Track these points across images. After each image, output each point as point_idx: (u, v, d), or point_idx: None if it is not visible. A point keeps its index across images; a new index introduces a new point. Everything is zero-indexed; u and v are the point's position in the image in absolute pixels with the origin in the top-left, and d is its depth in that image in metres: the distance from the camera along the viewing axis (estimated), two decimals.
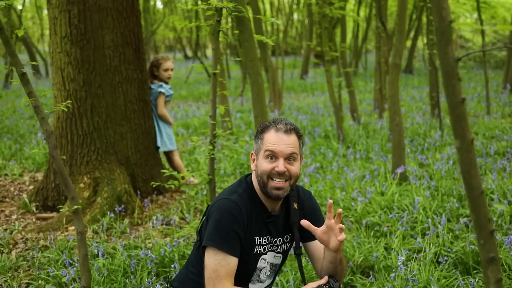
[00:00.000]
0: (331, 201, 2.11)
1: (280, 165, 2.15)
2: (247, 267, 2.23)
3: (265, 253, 2.29)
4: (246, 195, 2.20)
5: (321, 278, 2.34)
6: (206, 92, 13.20)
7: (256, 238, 2.22)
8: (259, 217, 2.23)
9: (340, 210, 2.09)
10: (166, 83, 5.57)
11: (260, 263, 2.29)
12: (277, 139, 2.16)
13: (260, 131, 2.24)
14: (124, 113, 5.01)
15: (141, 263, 3.61)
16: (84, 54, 4.78)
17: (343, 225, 2.10)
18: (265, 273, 2.33)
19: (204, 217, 2.30)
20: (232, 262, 2.09)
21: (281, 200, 2.28)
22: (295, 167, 2.19)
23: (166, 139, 5.55)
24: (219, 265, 2.06)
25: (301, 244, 2.37)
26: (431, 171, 5.65)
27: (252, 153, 2.29)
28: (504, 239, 3.62)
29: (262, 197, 2.24)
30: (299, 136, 2.23)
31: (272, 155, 2.16)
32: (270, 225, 2.27)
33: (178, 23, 4.04)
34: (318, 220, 2.37)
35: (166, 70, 5.51)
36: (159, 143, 5.47)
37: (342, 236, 2.10)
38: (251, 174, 2.32)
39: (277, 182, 2.16)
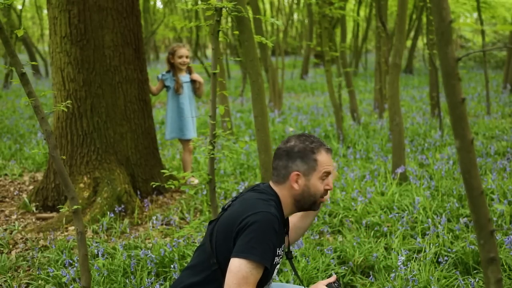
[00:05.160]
0: None
1: (331, 183, 2.28)
2: (267, 278, 2.23)
3: (279, 262, 2.31)
4: (277, 209, 2.21)
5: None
6: (206, 92, 13.19)
7: (278, 249, 2.24)
8: (282, 230, 2.25)
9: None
10: (180, 69, 5.77)
11: (274, 273, 2.31)
12: (330, 160, 2.27)
13: (311, 151, 2.23)
14: (124, 113, 5.01)
15: (141, 263, 3.61)
16: (84, 54, 4.78)
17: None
18: (272, 280, 2.36)
19: (214, 233, 2.22)
20: (261, 272, 2.09)
21: None
22: None
23: (175, 127, 5.81)
24: (250, 274, 2.04)
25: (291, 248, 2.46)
26: (431, 171, 5.65)
27: (297, 174, 2.22)
28: (504, 239, 3.62)
29: (288, 209, 2.28)
30: None
31: (327, 176, 2.27)
32: (285, 235, 2.33)
33: (178, 23, 4.03)
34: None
35: (180, 57, 5.73)
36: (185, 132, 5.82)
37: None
38: (268, 184, 2.31)
39: (323, 198, 2.29)
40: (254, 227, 2.05)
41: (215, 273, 2.17)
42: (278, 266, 2.34)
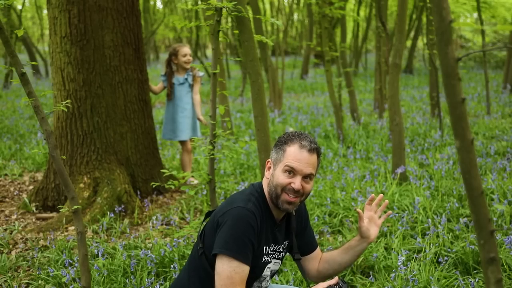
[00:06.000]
0: (373, 195, 2.31)
1: (297, 183, 2.16)
2: (253, 276, 2.23)
3: (270, 261, 2.29)
4: (259, 205, 2.19)
5: (317, 280, 2.42)
6: (206, 92, 13.18)
7: (265, 247, 2.23)
8: (269, 227, 2.23)
9: (381, 195, 2.34)
10: (184, 68, 5.77)
11: (265, 272, 2.29)
12: (300, 157, 2.16)
13: (283, 142, 2.22)
14: (124, 113, 5.01)
15: (141, 263, 3.61)
16: (84, 54, 4.78)
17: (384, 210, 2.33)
18: (267, 280, 2.34)
19: (206, 222, 2.29)
20: (245, 270, 2.08)
21: None
22: (309, 186, 2.22)
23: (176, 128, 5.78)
24: (234, 272, 2.05)
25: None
26: (431, 171, 5.65)
27: (269, 161, 2.26)
28: (504, 239, 3.62)
29: (271, 206, 2.24)
30: (319, 156, 2.24)
31: (291, 171, 2.16)
32: (276, 234, 2.29)
33: (178, 23, 4.04)
34: (306, 226, 2.46)
35: (184, 55, 5.73)
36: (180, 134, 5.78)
37: (380, 220, 2.34)
38: (260, 182, 2.31)
39: (290, 197, 2.17)
40: (228, 223, 2.09)
41: (200, 259, 2.22)
42: (272, 266, 2.31)
